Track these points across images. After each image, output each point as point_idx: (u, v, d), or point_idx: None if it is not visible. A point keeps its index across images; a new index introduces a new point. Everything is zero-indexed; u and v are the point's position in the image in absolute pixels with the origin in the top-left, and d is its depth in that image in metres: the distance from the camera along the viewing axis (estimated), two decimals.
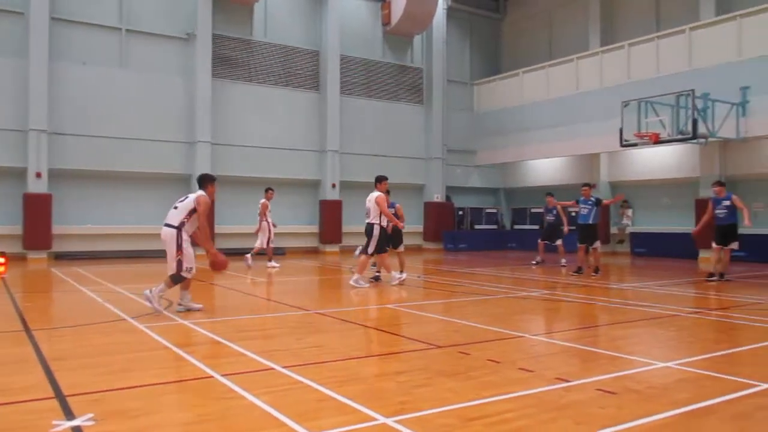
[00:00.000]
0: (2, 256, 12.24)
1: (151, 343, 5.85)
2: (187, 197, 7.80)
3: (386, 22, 22.97)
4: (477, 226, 25.24)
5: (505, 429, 3.45)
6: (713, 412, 3.82)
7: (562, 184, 22.25)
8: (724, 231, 11.70)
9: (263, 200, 15.09)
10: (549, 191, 16.89)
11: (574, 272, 13.31)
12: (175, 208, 7.72)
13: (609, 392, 4.19)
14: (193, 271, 7.68)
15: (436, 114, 23.87)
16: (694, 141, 15.63)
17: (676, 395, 4.17)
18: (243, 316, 7.49)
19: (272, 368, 4.83)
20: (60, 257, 17.31)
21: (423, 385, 4.42)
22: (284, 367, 4.83)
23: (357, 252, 12.14)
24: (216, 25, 19.71)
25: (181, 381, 4.53)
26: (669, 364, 5.12)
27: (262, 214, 14.90)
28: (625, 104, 16.45)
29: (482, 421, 3.58)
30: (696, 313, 8.19)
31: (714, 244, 11.92)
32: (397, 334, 6.63)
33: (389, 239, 11.49)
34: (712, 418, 3.74)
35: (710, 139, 15.87)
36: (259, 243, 14.97)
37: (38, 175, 17.00)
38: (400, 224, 11.52)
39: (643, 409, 3.81)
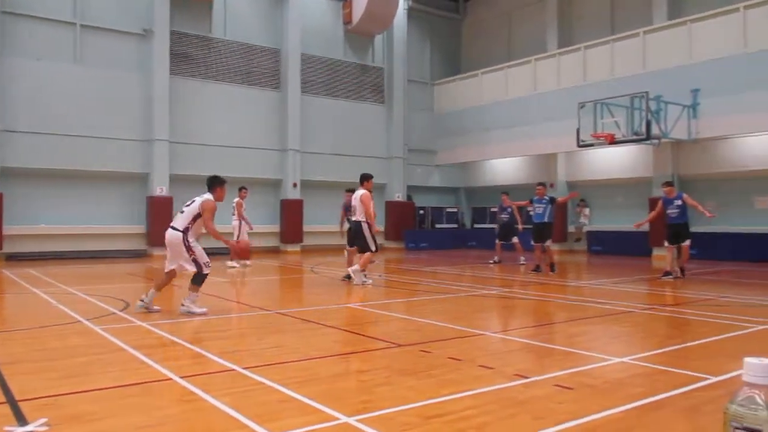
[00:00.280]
0: None
1: (108, 346, 5.73)
2: (193, 201, 7.76)
3: (347, 21, 22.95)
4: (438, 225, 25.43)
5: (466, 426, 3.49)
6: (666, 406, 3.94)
7: (521, 183, 22.58)
8: (677, 230, 11.97)
9: (237, 199, 14.98)
10: (504, 190, 17.12)
11: (533, 270, 13.54)
12: (182, 212, 7.68)
13: (566, 388, 4.27)
14: (210, 265, 7.72)
15: (397, 114, 23.96)
16: (648, 142, 16.05)
17: (630, 389, 4.29)
18: (203, 317, 7.39)
19: (233, 369, 4.79)
20: (12, 258, 16.80)
21: (384, 383, 4.44)
22: (245, 368, 4.79)
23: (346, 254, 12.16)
24: (174, 22, 19.39)
25: (139, 384, 4.45)
26: (624, 359, 5.25)
27: (240, 214, 14.79)
28: (582, 105, 16.78)
29: (443, 418, 3.62)
30: (650, 309, 8.42)
31: (666, 243, 12.24)
32: (358, 334, 6.64)
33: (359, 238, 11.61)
34: (665, 411, 3.85)
35: (663, 140, 16.32)
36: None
37: None
38: (376, 227, 11.59)
39: (599, 404, 3.90)
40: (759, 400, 1.06)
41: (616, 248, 19.63)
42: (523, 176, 23.33)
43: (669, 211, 12.05)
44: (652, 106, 15.82)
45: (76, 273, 13.72)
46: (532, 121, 20.55)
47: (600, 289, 10.83)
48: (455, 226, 25.83)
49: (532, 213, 13.79)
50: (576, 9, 22.13)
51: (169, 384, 4.40)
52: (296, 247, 21.26)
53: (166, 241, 7.60)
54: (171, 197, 18.80)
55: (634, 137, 15.91)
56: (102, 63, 18.42)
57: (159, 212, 18.52)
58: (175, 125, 19.30)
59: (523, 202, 14.85)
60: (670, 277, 11.95)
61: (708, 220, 13.50)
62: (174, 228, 7.57)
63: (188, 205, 7.72)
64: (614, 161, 20.45)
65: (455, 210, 26.26)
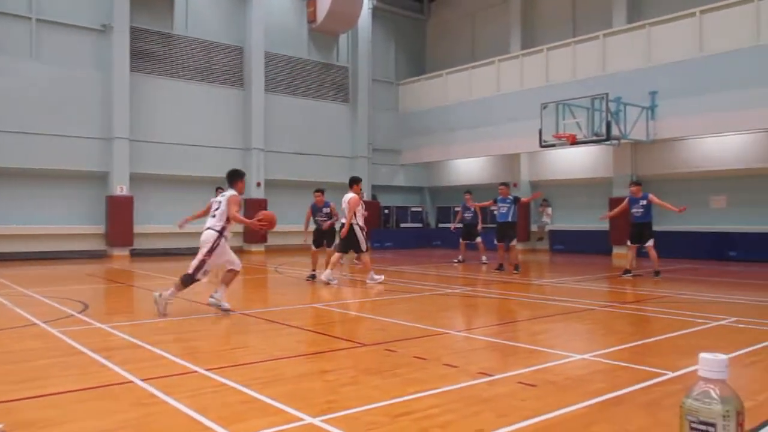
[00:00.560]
0: None
1: (66, 349, 5.60)
2: (220, 202, 7.89)
3: (311, 19, 22.84)
4: (403, 225, 25.50)
5: (431, 424, 3.50)
6: (626, 401, 4.02)
7: (485, 183, 22.81)
8: (640, 230, 12.15)
9: (212, 199, 14.92)
10: (467, 190, 17.27)
11: (496, 269, 13.68)
12: (213, 216, 7.82)
13: (529, 385, 4.33)
14: (210, 275, 7.98)
15: (361, 113, 23.95)
16: (608, 142, 16.37)
17: (591, 386, 4.36)
18: (164, 318, 7.27)
19: (195, 371, 4.72)
20: None
21: (349, 383, 4.44)
22: (207, 370, 4.73)
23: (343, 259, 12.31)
24: (134, 18, 19.02)
25: (98, 387, 4.35)
26: (585, 356, 5.34)
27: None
28: (544, 106, 17.02)
29: (409, 417, 3.63)
30: (610, 307, 8.59)
31: (629, 243, 12.46)
32: (323, 334, 6.62)
33: (323, 237, 11.99)
34: (625, 406, 3.93)
35: (622, 141, 16.66)
36: None
37: None
38: (346, 231, 11.86)
39: (561, 400, 3.96)
40: (713, 395, 1.09)
41: (578, 247, 19.98)
42: (486, 176, 23.57)
43: (634, 210, 12.20)
44: (612, 107, 16.14)
45: (33, 274, 13.36)
46: (496, 122, 20.76)
47: (562, 287, 11.00)
48: (420, 225, 25.95)
49: (496, 213, 13.92)
50: (539, 11, 22.43)
51: (129, 387, 4.31)
52: (260, 247, 21.08)
53: (201, 239, 7.74)
54: (131, 196, 18.46)
55: (595, 138, 16.20)
56: (59, 59, 17.97)
57: (119, 212, 18.18)
58: (135, 123, 18.94)
59: (486, 203, 15.00)
60: (630, 275, 12.20)
61: (678, 217, 13.80)
62: (210, 228, 7.74)
63: (217, 209, 7.87)
64: (576, 161, 20.80)
65: (420, 209, 26.38)
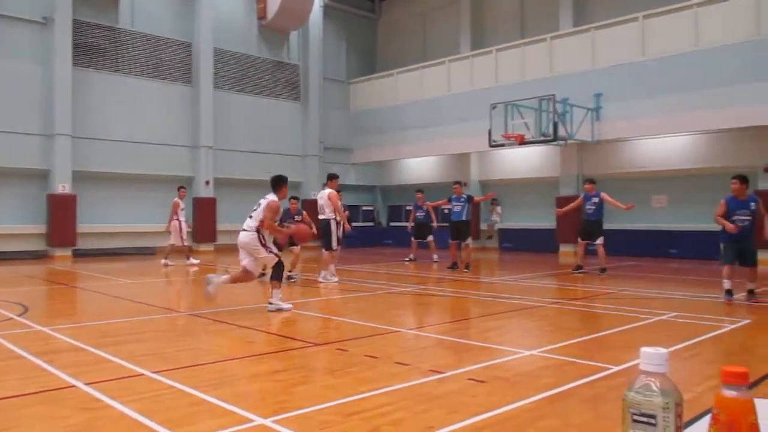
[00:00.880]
0: None
1: (5, 353, 5.39)
2: (259, 204, 8.08)
3: (261, 16, 22.57)
4: (354, 224, 25.42)
5: (383, 422, 3.52)
6: (572, 395, 4.13)
7: (436, 182, 22.99)
8: (591, 227, 12.55)
9: (176, 199, 15.38)
10: (419, 189, 17.37)
11: (449, 267, 13.80)
12: (250, 217, 8.04)
13: (479, 381, 4.40)
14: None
15: (312, 111, 23.81)
16: (555, 143, 16.73)
17: (540, 381, 4.46)
18: (109, 321, 7.08)
19: (142, 374, 4.62)
20: None
21: (302, 383, 4.42)
22: (155, 372, 4.63)
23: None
24: (77, 10, 18.40)
25: (40, 392, 4.21)
26: (533, 351, 5.46)
27: (173, 213, 15.19)
28: (494, 107, 17.25)
29: (361, 415, 3.64)
30: (557, 303, 8.79)
31: (579, 239, 12.85)
32: (274, 334, 6.56)
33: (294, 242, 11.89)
34: (572, 400, 4.03)
35: (569, 141, 17.04)
36: (172, 241, 15.30)
37: None
38: (348, 226, 12.66)
39: (511, 395, 4.04)
40: (654, 387, 1.12)
41: (526, 245, 20.36)
42: (437, 175, 23.76)
43: (587, 207, 12.62)
44: (559, 108, 16.50)
45: None
46: (446, 121, 20.95)
47: (511, 284, 11.20)
48: (371, 224, 25.97)
49: (447, 211, 14.08)
50: (488, 12, 22.72)
51: (73, 391, 4.19)
52: (209, 246, 20.73)
53: (239, 244, 8.04)
54: (74, 195, 17.87)
55: (542, 138, 16.53)
56: None
57: (61, 211, 17.57)
58: (78, 119, 18.32)
59: (440, 202, 15.14)
60: (581, 270, 12.57)
61: (622, 216, 14.20)
62: (245, 230, 7.97)
63: (255, 210, 8.08)
64: (524, 161, 21.18)
65: (371, 208, 26.40)
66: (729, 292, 8.46)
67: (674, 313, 7.51)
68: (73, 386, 4.28)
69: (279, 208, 8.18)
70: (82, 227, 18.05)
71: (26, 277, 12.80)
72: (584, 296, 9.66)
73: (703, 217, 15.06)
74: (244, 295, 9.71)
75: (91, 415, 3.69)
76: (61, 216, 17.60)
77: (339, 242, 11.66)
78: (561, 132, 16.34)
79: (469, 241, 13.80)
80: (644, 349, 1.15)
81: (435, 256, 15.91)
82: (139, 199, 19.54)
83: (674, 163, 17.55)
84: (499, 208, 21.92)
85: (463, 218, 13.67)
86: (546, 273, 13.49)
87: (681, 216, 17.30)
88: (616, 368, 4.78)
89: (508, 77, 19.46)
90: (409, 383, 4.36)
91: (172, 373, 4.63)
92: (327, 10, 24.60)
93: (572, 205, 13.21)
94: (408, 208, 23.23)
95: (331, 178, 11.73)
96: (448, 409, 3.78)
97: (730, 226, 8.26)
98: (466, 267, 13.49)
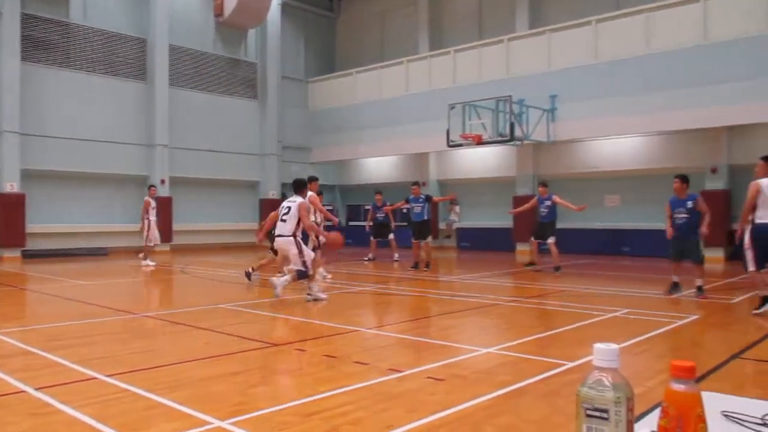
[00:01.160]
0: None
1: None
2: (289, 209, 8.39)
3: (218, 13, 22.23)
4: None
5: (342, 422, 3.52)
6: (529, 391, 4.20)
7: (395, 181, 23.05)
8: (544, 227, 13.05)
9: (147, 198, 15.25)
10: (378, 189, 17.40)
11: (412, 267, 13.82)
12: (283, 221, 8.32)
13: (438, 379, 4.43)
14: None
15: (270, 110, 23.58)
16: (511, 143, 16.97)
17: (497, 378, 4.52)
18: (60, 323, 6.89)
19: (94, 377, 4.51)
20: None
21: (260, 384, 4.38)
22: (108, 376, 4.52)
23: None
24: (26, 4, 17.82)
25: None
26: (491, 349, 5.53)
27: (145, 212, 15.04)
28: (452, 107, 17.38)
29: (321, 415, 3.63)
30: (514, 301, 8.92)
31: (532, 238, 13.36)
32: (232, 335, 6.48)
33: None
34: (528, 397, 4.10)
35: (525, 142, 17.31)
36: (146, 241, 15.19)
37: None
38: (320, 233, 12.45)
39: (469, 393, 4.08)
40: (606, 382, 1.15)
41: (483, 244, 20.60)
42: (396, 175, 23.83)
43: (541, 210, 13.15)
44: (515, 109, 16.73)
45: None
46: (405, 121, 21.02)
47: (469, 283, 11.31)
48: (330, 223, 25.84)
49: (405, 210, 14.17)
50: (446, 13, 22.89)
51: (22, 397, 4.06)
52: (165, 247, 20.33)
53: (280, 250, 8.61)
54: (23, 194, 17.31)
55: (499, 138, 16.75)
56: None
57: (8, 211, 17.00)
58: (27, 116, 17.74)
59: (399, 204, 15.20)
60: (533, 266, 12.95)
61: (577, 215, 14.53)
62: (282, 236, 8.38)
63: (286, 214, 8.41)
64: (481, 161, 21.41)
65: (330, 208, 26.28)
66: (675, 285, 8.84)
67: (626, 310, 7.70)
68: (23, 391, 4.15)
69: (310, 207, 8.58)
70: (31, 227, 17.51)
71: None
72: (539, 294, 9.83)
73: (654, 216, 15.48)
74: (200, 295, 9.58)
75: (42, 420, 3.59)
76: (9, 216, 17.02)
77: (319, 246, 11.38)
78: (517, 132, 16.59)
79: (430, 239, 13.90)
80: (597, 346, 1.18)
81: (396, 255, 15.95)
82: (92, 198, 19.06)
83: (627, 164, 18.00)
84: (457, 208, 22.10)
85: (425, 218, 13.81)
86: (503, 271, 13.68)
87: (633, 215, 17.76)
88: (570, 364, 4.88)
89: (466, 78, 19.64)
90: (369, 382, 4.37)
91: (126, 376, 4.54)
92: (285, 8, 24.40)
93: (526, 206, 13.67)
94: (367, 207, 23.29)
95: (310, 180, 11.25)
96: (407, 407, 3.79)
97: (668, 230, 8.86)
98: (426, 266, 13.58)
